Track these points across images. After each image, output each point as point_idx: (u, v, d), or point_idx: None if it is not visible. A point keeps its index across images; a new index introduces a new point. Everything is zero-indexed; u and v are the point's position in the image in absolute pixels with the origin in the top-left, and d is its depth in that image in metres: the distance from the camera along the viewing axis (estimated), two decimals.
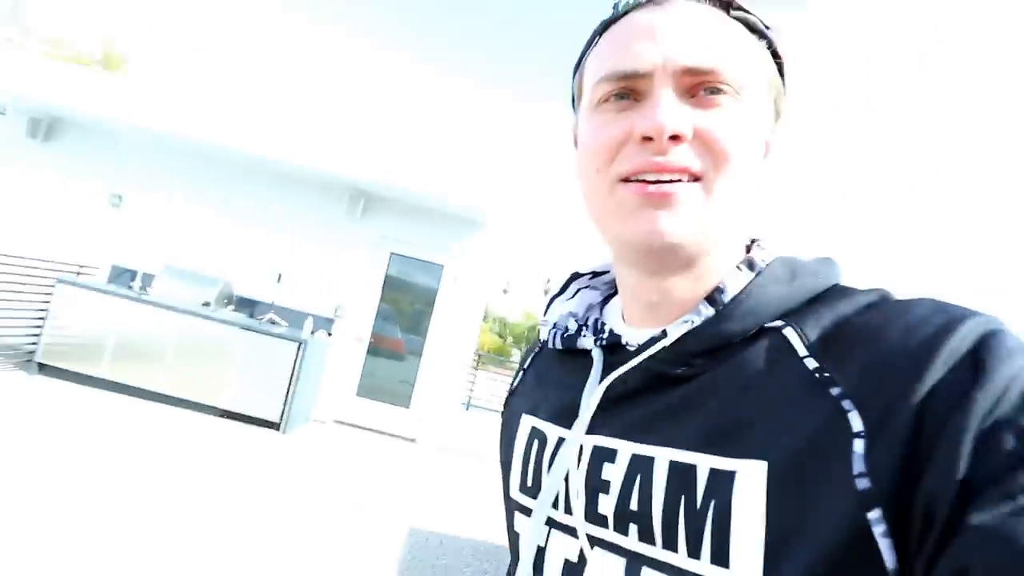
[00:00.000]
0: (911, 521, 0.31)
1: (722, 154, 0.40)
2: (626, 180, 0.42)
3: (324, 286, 6.22)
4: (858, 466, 0.32)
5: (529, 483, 0.52)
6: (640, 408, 0.44)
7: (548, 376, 0.57)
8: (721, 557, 0.36)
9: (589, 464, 0.45)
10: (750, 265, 0.44)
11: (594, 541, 0.44)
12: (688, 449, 0.40)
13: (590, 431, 0.47)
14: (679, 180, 0.41)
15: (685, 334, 0.42)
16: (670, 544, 0.39)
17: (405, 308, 6.58)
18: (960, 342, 0.33)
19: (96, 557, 2.51)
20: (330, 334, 6.17)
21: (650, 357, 0.44)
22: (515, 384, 0.64)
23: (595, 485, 0.45)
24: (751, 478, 0.36)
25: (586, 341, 0.50)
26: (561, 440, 0.49)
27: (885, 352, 0.35)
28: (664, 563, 0.39)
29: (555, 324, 0.55)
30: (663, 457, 0.41)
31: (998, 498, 0.29)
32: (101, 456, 3.69)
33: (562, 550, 0.47)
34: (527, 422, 0.56)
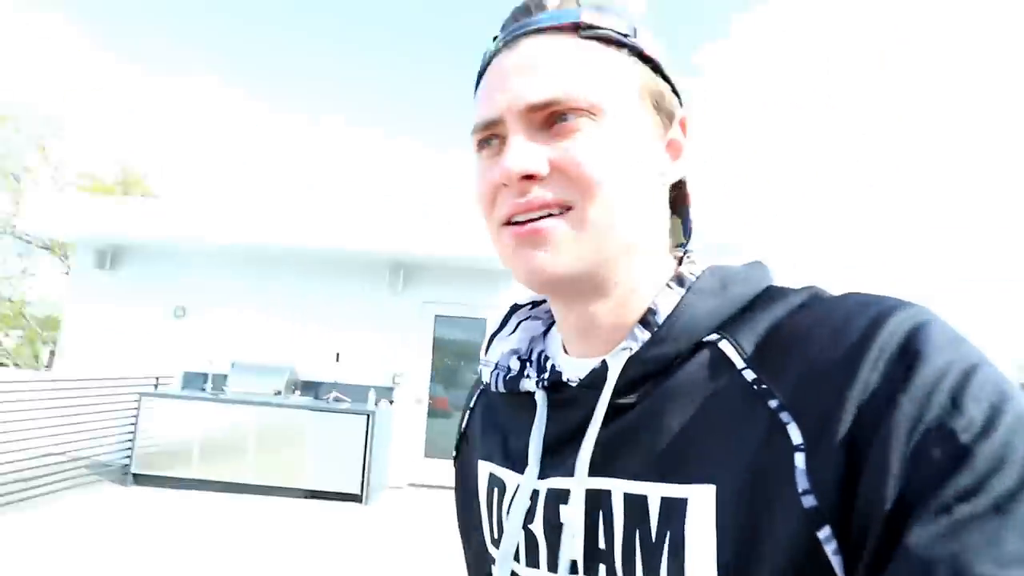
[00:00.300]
0: (851, 536, 0.30)
1: (585, 181, 0.39)
2: (507, 223, 0.42)
3: (379, 357, 6.58)
4: (802, 483, 0.32)
5: (496, 534, 0.50)
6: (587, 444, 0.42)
7: (496, 419, 0.55)
8: None
9: (546, 509, 0.44)
10: (680, 281, 0.43)
11: None
12: (638, 479, 0.39)
13: (543, 475, 0.45)
14: (549, 215, 0.40)
15: (625, 362, 0.41)
16: None
17: (452, 365, 6.88)
18: (889, 338, 0.32)
19: None
20: (391, 402, 6.48)
21: (591, 391, 0.42)
22: (463, 427, 0.62)
23: (556, 530, 0.43)
24: (702, 503, 0.35)
25: (528, 383, 0.48)
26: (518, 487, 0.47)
27: (817, 357, 0.34)
28: None
29: (497, 364, 0.52)
30: (618, 490, 0.40)
31: (932, 513, 0.27)
32: (200, 553, 3.96)
33: None
34: (484, 469, 0.54)
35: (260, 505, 5.24)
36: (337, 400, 6.12)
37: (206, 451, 5.62)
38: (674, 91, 0.45)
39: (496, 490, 0.51)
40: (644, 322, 0.42)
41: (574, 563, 0.42)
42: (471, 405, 0.61)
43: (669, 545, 0.36)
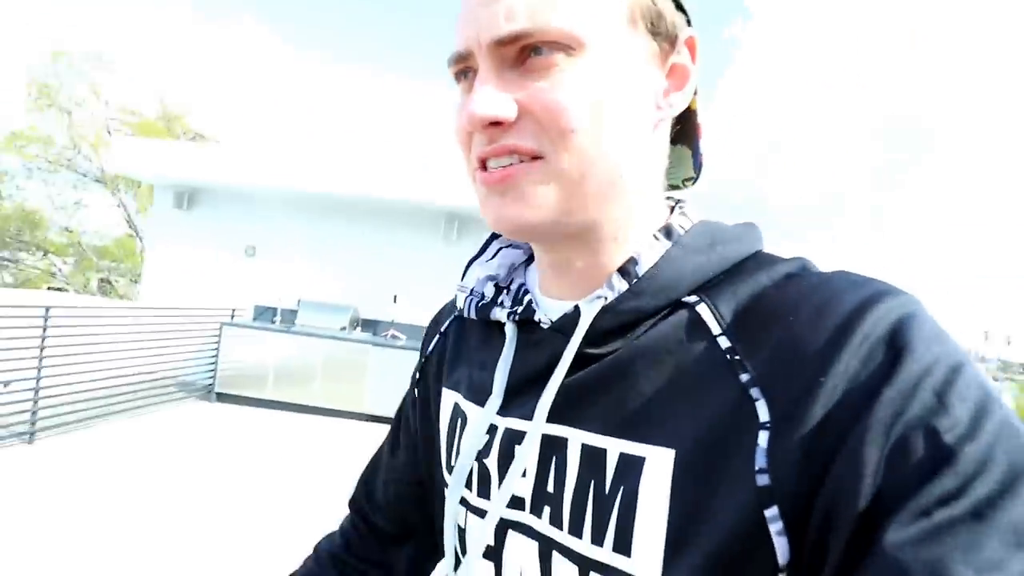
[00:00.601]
0: (810, 524, 0.30)
1: (557, 128, 0.35)
2: (481, 166, 0.39)
3: (432, 301, 7.15)
4: (760, 460, 0.31)
5: (452, 462, 0.50)
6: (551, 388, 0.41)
7: (467, 346, 0.53)
8: (623, 545, 0.35)
9: (501, 446, 0.44)
10: (667, 232, 0.41)
11: (509, 524, 0.43)
12: (599, 432, 0.38)
13: (504, 412, 0.44)
14: (518, 162, 0.37)
15: (599, 311, 0.39)
16: (575, 530, 0.38)
17: None
18: (874, 326, 0.31)
19: (276, 543, 3.39)
20: None
21: (562, 336, 0.41)
22: (430, 349, 0.60)
23: (508, 468, 0.42)
24: (659, 465, 0.35)
25: (500, 313, 0.46)
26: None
27: (797, 335, 0.33)
28: (569, 549, 0.38)
29: (472, 290, 0.50)
30: (575, 439, 0.39)
31: (911, 515, 0.26)
32: (273, 462, 4.57)
33: (479, 532, 0.44)
34: (448, 397, 0.53)
35: (325, 425, 5.97)
36: (394, 337, 6.77)
37: (279, 376, 6.36)
38: (679, 7, 0.40)
39: (460, 421, 0.50)
40: (623, 271, 0.40)
41: (521, 500, 0.42)
42: (441, 329, 0.59)
43: (622, 500, 0.36)
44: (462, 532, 0.47)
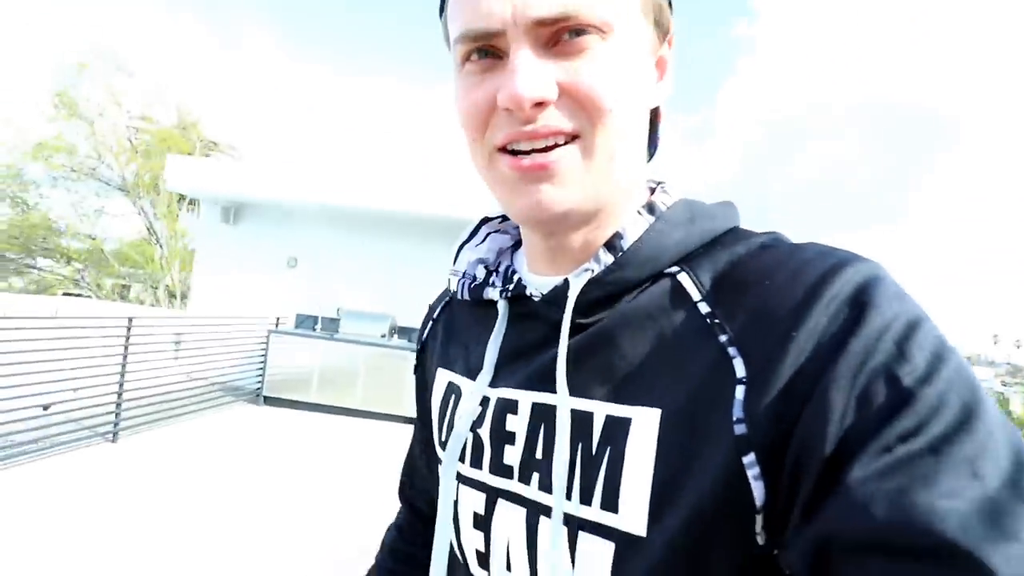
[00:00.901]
0: (784, 467, 0.32)
1: (595, 108, 0.37)
2: (503, 150, 0.39)
3: None
4: (737, 412, 0.33)
5: (445, 437, 0.52)
6: (542, 358, 0.43)
7: (459, 327, 0.56)
8: (611, 503, 0.37)
9: (494, 416, 0.45)
10: (651, 209, 0.43)
11: (499, 493, 0.44)
12: (587, 397, 0.40)
13: (495, 384, 0.46)
14: (555, 145, 0.38)
15: (586, 283, 0.41)
16: (566, 492, 0.39)
17: None
18: (841, 287, 0.33)
19: (321, 535, 3.77)
20: None
21: (552, 307, 0.43)
22: (423, 336, 0.63)
23: (501, 437, 0.45)
24: (645, 425, 0.36)
25: (492, 292, 0.48)
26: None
27: (771, 298, 0.35)
28: (566, 512, 0.39)
29: (464, 272, 0.52)
30: (564, 406, 0.40)
31: (872, 453, 0.28)
32: (321, 462, 4.81)
33: (470, 503, 0.46)
34: (443, 377, 0.55)
35: (367, 426, 6.36)
36: None
37: (323, 380, 6.79)
38: (670, 3, 0.43)
39: (453, 396, 0.52)
40: (610, 246, 0.42)
41: (510, 469, 0.44)
42: (434, 316, 0.62)
43: (608, 461, 0.37)
44: (456, 506, 0.48)
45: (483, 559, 0.46)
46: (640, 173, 0.45)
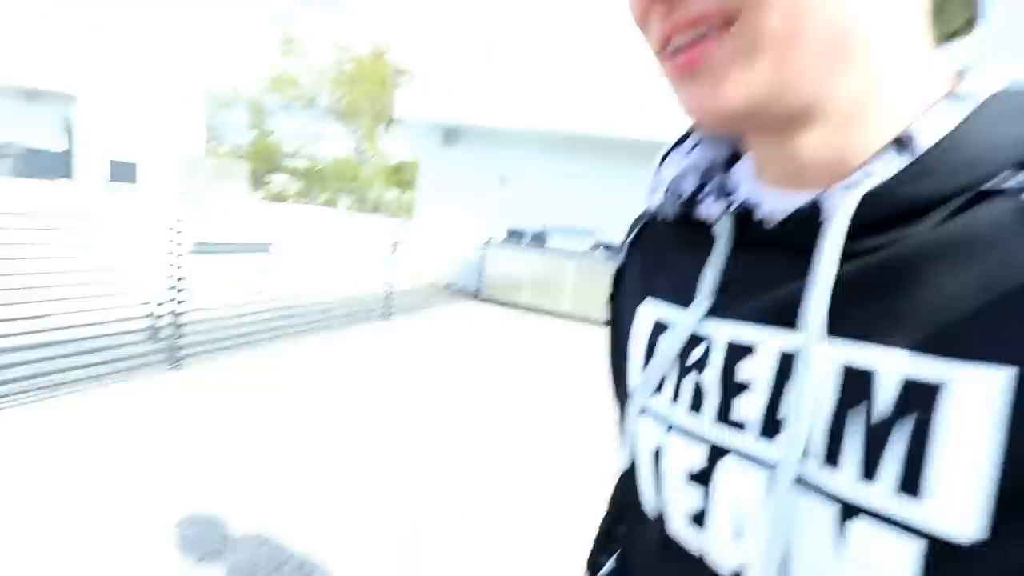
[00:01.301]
0: None
1: None
2: (663, 50, 0.32)
3: None
4: None
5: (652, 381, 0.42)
6: (787, 289, 0.33)
7: (663, 255, 0.46)
8: (911, 483, 0.26)
9: (726, 359, 0.36)
10: (960, 99, 0.30)
11: (724, 450, 0.35)
12: (870, 342, 0.29)
13: (722, 318, 0.37)
14: (703, 36, 0.29)
15: (863, 197, 0.30)
16: (830, 458, 0.29)
17: None
18: None
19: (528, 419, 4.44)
20: None
21: (804, 228, 0.32)
22: (621, 264, 0.53)
23: (731, 383, 0.35)
24: (980, 387, 0.25)
25: (712, 208, 0.38)
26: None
27: None
28: (821, 484, 0.29)
29: (668, 187, 0.42)
30: (828, 356, 0.30)
31: None
32: (527, 353, 5.61)
33: (682, 459, 0.38)
34: (647, 309, 0.45)
35: (574, 327, 7.18)
36: None
37: (534, 286, 7.76)
38: None
39: (662, 332, 0.42)
40: (899, 143, 0.30)
41: (740, 424, 0.34)
42: (632, 239, 0.52)
43: (913, 429, 0.27)
44: (658, 460, 0.40)
45: (698, 519, 0.37)
46: (904, 52, 0.31)
